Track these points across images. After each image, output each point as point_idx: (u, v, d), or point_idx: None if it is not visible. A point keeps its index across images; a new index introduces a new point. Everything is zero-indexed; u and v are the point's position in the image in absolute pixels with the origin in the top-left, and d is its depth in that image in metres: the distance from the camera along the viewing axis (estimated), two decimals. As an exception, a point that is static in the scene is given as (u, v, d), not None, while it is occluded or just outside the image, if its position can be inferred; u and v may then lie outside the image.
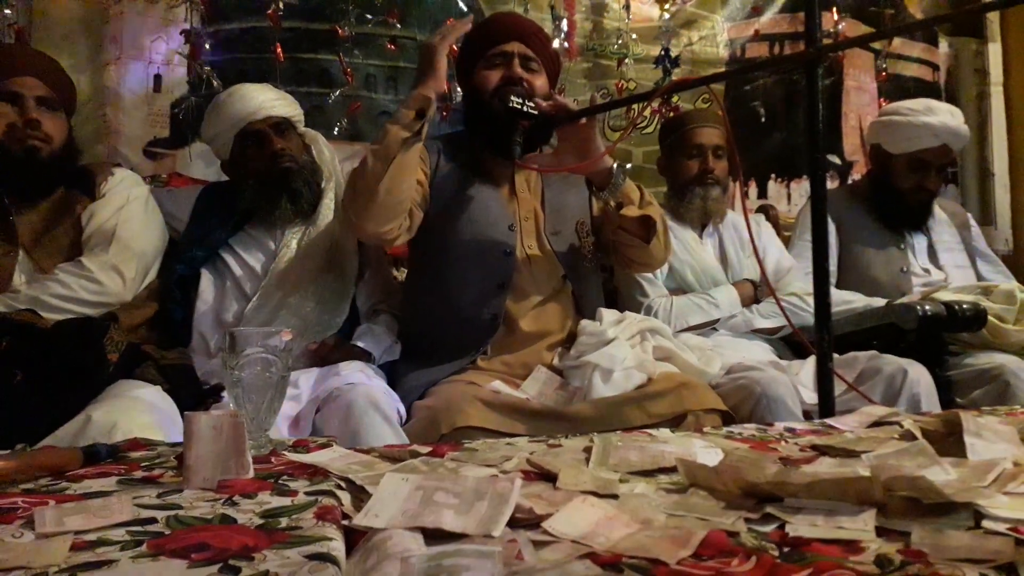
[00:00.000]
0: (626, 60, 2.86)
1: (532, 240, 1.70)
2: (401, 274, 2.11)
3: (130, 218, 1.65)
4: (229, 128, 1.76)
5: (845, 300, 2.01)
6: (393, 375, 1.67)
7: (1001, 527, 0.61)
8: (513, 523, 0.64)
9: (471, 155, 1.74)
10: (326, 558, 0.53)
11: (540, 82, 1.69)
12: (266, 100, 1.76)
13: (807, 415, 1.59)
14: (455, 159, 1.73)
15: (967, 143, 2.36)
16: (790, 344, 1.99)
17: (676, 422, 1.41)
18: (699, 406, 1.43)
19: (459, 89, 1.92)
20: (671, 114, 2.70)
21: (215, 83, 2.32)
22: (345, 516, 0.66)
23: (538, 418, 1.41)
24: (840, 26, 2.97)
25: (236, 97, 1.76)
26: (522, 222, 1.70)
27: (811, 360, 1.67)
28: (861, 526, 0.62)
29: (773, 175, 3.06)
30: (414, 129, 1.46)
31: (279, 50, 2.39)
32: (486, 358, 1.63)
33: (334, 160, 1.91)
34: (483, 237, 1.65)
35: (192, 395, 1.41)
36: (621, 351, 1.54)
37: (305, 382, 1.54)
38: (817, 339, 1.29)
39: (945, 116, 2.16)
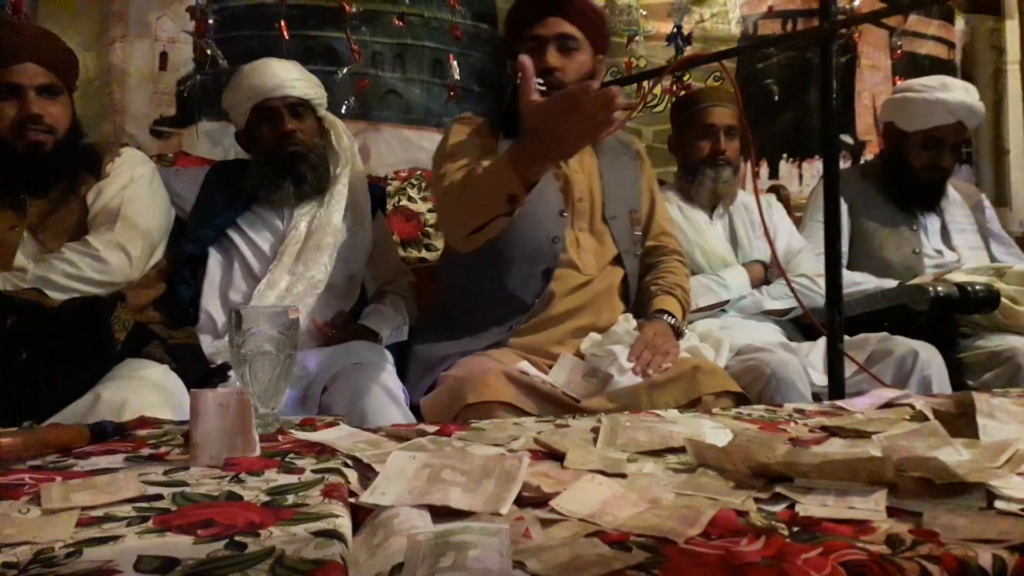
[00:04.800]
0: (636, 37, 2.82)
1: (584, 223, 1.65)
2: (409, 254, 2.10)
3: (135, 197, 1.64)
4: (246, 100, 1.75)
5: (856, 281, 1.99)
6: (403, 354, 1.66)
7: (1013, 507, 0.61)
8: (520, 501, 0.64)
9: None
10: (332, 535, 0.53)
11: (577, 63, 1.60)
12: (287, 79, 1.74)
13: (816, 397, 1.58)
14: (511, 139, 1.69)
15: (982, 121, 2.32)
16: (800, 326, 1.98)
17: (690, 407, 1.40)
18: (713, 389, 1.42)
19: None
20: (682, 92, 2.66)
21: (221, 61, 2.30)
22: (352, 494, 0.66)
23: (556, 406, 1.40)
24: (855, 2, 2.92)
25: (259, 71, 1.74)
26: (576, 203, 1.64)
27: (821, 342, 1.66)
28: (872, 506, 0.61)
29: (785, 155, 3.03)
30: (507, 209, 1.33)
31: (284, 27, 2.36)
32: (517, 336, 1.58)
33: (353, 147, 1.89)
34: (532, 222, 1.57)
35: (199, 374, 1.41)
36: None
37: (312, 361, 1.54)
38: (828, 320, 1.28)
39: (960, 93, 2.12)
